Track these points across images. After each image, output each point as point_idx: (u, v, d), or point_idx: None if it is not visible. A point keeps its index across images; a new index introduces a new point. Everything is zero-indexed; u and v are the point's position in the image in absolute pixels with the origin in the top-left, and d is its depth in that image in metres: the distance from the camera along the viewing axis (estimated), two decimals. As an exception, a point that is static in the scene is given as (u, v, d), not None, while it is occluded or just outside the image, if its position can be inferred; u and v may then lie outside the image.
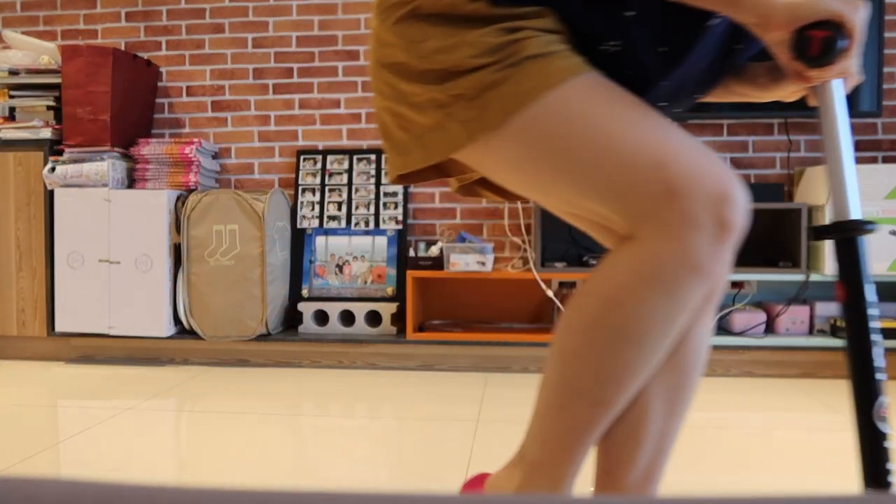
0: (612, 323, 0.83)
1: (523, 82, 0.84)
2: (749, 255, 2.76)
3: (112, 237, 2.69)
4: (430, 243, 2.87)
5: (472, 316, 2.90)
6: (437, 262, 2.67)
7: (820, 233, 0.88)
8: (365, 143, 3.00)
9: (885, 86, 2.76)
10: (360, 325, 2.72)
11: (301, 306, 2.76)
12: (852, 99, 2.62)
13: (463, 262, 2.61)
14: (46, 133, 2.75)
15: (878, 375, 0.83)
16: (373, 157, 2.94)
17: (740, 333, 2.56)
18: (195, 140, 2.80)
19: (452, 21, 0.88)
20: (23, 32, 3.12)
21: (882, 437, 0.82)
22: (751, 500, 0.27)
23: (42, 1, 3.15)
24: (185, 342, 2.76)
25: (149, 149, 2.77)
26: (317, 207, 2.92)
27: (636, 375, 0.84)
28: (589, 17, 0.89)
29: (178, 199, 2.76)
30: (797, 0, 0.80)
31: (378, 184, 2.91)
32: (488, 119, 0.86)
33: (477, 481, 1.10)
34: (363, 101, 3.00)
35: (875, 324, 0.84)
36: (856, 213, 0.87)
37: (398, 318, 2.77)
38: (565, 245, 2.82)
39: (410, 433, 1.88)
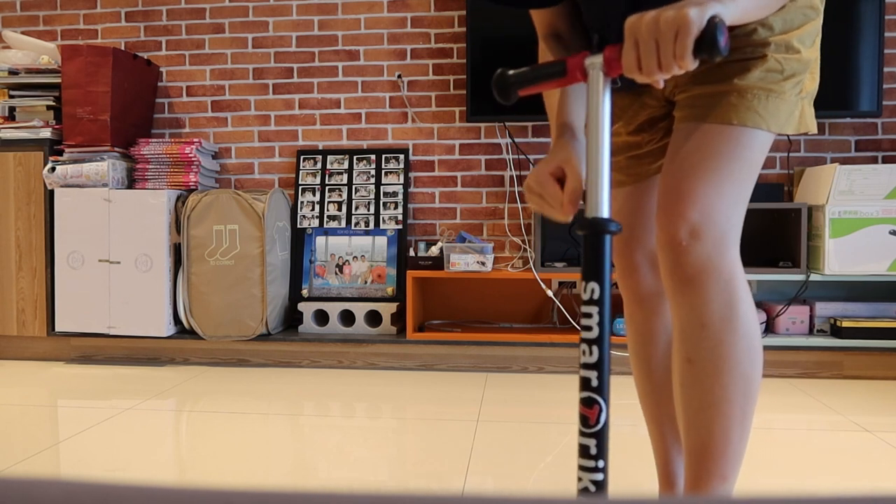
0: None
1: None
2: (749, 255, 2.77)
3: (112, 237, 2.70)
4: (430, 243, 2.88)
5: (472, 316, 2.90)
6: (437, 262, 2.67)
7: (577, 228, 0.86)
8: (365, 143, 3.00)
9: (885, 86, 2.76)
10: (360, 325, 2.72)
11: (301, 306, 2.76)
12: (852, 99, 2.62)
13: (463, 262, 2.61)
14: (46, 133, 2.75)
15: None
16: (373, 157, 2.94)
17: (740, 333, 2.55)
18: (195, 140, 2.80)
19: None
20: (23, 32, 3.12)
21: None
22: (751, 500, 0.27)
23: (42, 1, 3.15)
24: (185, 342, 2.76)
25: (149, 149, 2.77)
26: (317, 207, 2.92)
27: None
28: None
29: (178, 198, 2.76)
30: None
31: (378, 184, 2.90)
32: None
33: None
34: (363, 101, 3.00)
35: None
36: (605, 212, 0.86)
37: (398, 318, 2.77)
38: (565, 245, 2.82)
39: (410, 433, 1.88)
